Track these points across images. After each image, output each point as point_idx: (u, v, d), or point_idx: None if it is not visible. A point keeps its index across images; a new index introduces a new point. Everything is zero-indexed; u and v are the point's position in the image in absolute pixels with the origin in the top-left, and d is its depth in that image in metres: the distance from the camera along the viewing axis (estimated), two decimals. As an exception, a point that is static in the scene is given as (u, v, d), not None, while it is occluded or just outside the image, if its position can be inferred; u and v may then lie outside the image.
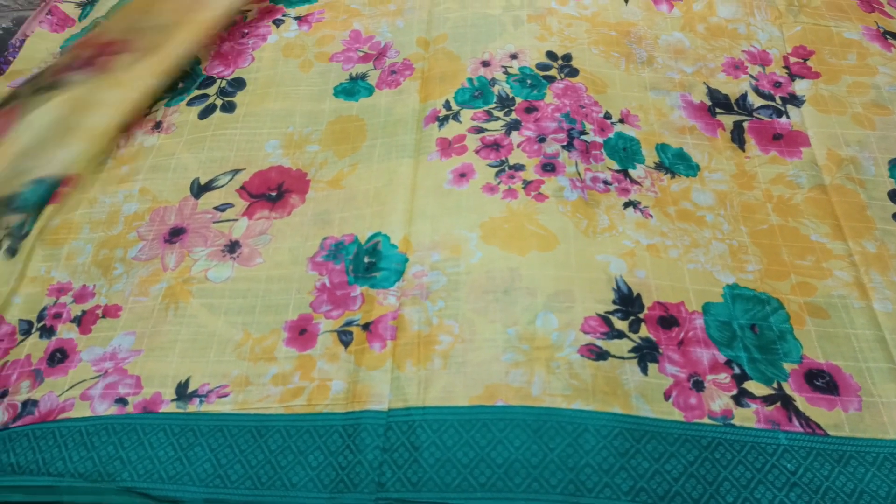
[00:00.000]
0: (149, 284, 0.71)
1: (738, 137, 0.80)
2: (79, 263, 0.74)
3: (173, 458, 0.59)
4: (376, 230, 0.72)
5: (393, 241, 0.71)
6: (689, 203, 0.74)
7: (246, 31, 0.96)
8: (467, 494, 0.56)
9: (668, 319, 0.65)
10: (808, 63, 0.87)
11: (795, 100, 0.83)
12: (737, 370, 0.62)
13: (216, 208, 0.77)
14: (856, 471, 0.56)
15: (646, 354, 0.62)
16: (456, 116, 0.81)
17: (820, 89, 0.84)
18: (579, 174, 0.74)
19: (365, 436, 0.59)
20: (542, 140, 0.77)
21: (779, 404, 0.60)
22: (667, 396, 0.60)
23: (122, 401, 0.63)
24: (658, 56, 0.88)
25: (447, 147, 0.78)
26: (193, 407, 0.62)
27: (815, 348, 0.63)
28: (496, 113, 0.81)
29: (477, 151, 0.77)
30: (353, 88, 0.87)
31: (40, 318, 0.70)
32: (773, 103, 0.83)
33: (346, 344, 0.65)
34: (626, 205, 0.73)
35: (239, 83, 0.89)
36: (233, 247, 0.73)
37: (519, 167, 0.75)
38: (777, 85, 0.85)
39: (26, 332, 0.69)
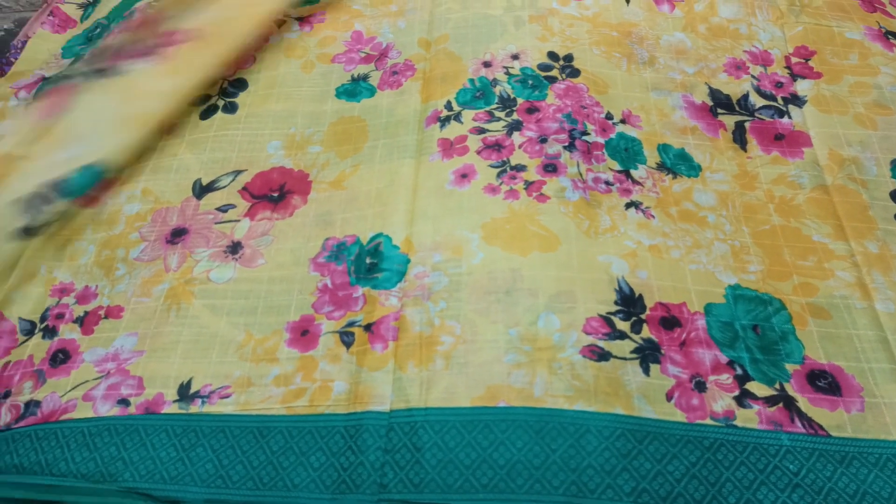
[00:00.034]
0: (151, 285, 0.71)
1: (739, 138, 0.80)
2: (81, 264, 0.74)
3: (175, 459, 0.59)
4: (378, 231, 0.72)
5: (395, 241, 0.71)
6: (690, 203, 0.74)
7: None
8: (469, 495, 0.56)
9: (670, 320, 0.65)
10: (810, 63, 0.87)
11: (797, 100, 0.83)
12: (739, 371, 0.62)
13: (218, 209, 0.77)
14: (858, 472, 0.56)
15: (648, 355, 0.62)
16: (457, 117, 0.81)
17: (822, 89, 0.84)
18: (581, 175, 0.74)
19: (367, 437, 0.59)
20: (543, 141, 0.77)
21: (781, 405, 0.60)
22: (669, 397, 0.60)
23: (124, 402, 0.63)
24: (659, 56, 0.88)
25: (449, 148, 0.78)
26: (195, 408, 0.62)
27: (818, 349, 0.63)
28: (497, 113, 0.81)
29: (478, 152, 0.77)
30: (354, 89, 0.87)
31: (43, 318, 0.70)
32: (774, 103, 0.83)
33: (347, 345, 0.65)
34: (628, 205, 0.73)
35: (241, 84, 0.89)
36: (235, 248, 0.73)
37: (520, 168, 0.75)
38: (779, 85, 0.85)
39: (29, 333, 0.69)
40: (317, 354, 0.65)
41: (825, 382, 0.61)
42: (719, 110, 0.83)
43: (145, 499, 0.58)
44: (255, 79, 0.90)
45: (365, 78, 0.88)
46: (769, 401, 0.60)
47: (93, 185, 0.76)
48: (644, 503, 0.55)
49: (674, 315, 0.65)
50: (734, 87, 0.85)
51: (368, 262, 0.70)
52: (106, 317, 0.69)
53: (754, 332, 0.64)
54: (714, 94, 0.84)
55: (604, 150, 0.77)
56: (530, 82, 0.83)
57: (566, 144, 0.77)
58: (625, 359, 0.62)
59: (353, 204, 0.75)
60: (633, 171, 0.76)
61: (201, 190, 0.79)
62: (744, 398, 0.60)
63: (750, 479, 0.56)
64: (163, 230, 0.75)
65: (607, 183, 0.74)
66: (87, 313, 0.70)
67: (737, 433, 0.58)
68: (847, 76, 0.85)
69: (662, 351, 0.63)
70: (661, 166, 0.77)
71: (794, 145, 0.79)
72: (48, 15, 1.06)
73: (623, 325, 0.63)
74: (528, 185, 0.73)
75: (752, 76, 0.86)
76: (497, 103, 0.82)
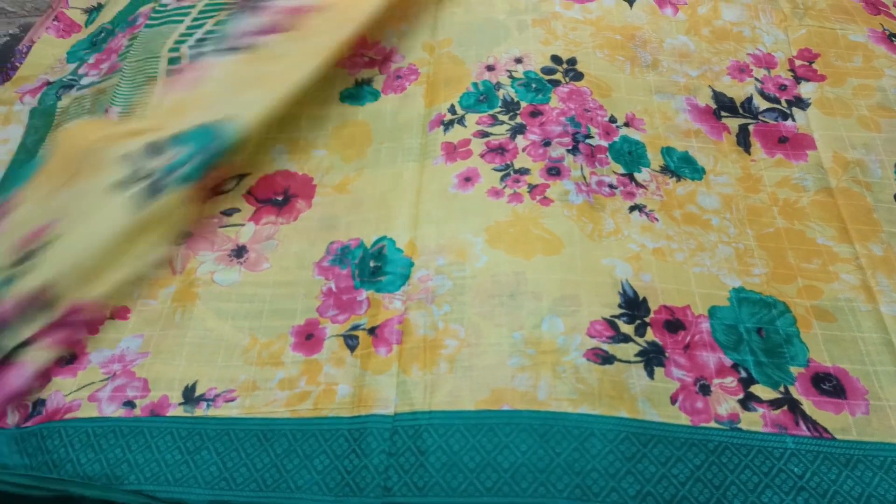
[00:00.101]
0: (157, 288, 0.71)
1: (743, 140, 0.80)
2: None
3: (180, 462, 0.60)
4: (382, 234, 0.72)
5: (398, 245, 0.71)
6: (694, 206, 0.74)
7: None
8: (474, 499, 0.56)
9: (675, 323, 0.65)
10: (814, 66, 0.87)
11: (801, 102, 0.83)
12: (743, 374, 0.62)
13: (223, 213, 0.77)
14: (863, 475, 0.56)
15: (652, 358, 0.62)
16: (461, 121, 0.81)
17: (825, 92, 0.84)
18: (584, 178, 0.74)
19: (371, 440, 0.59)
20: (547, 144, 0.77)
21: (786, 408, 0.60)
22: (673, 400, 0.60)
23: (129, 403, 0.63)
24: (663, 59, 0.88)
25: (452, 151, 0.78)
26: (200, 411, 0.62)
27: (822, 352, 0.63)
28: (501, 117, 0.81)
29: (482, 155, 0.77)
30: (358, 93, 0.87)
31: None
32: (778, 106, 0.83)
33: (352, 348, 0.65)
34: (632, 208, 0.73)
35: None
36: (240, 252, 0.74)
37: (524, 171, 0.75)
38: (782, 88, 0.85)
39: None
40: (321, 358, 0.65)
41: (830, 385, 0.61)
42: (723, 113, 0.83)
43: (149, 500, 0.59)
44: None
45: (369, 82, 0.88)
46: (774, 404, 0.60)
47: (213, 144, 0.72)
48: (648, 506, 0.55)
49: (678, 318, 0.65)
50: (738, 90, 0.85)
51: (372, 266, 0.70)
52: (112, 318, 0.69)
53: (759, 335, 0.64)
54: (718, 97, 0.84)
55: (607, 154, 0.77)
56: (534, 86, 0.83)
57: (570, 148, 0.77)
58: (629, 362, 0.62)
59: (358, 208, 0.76)
60: (636, 175, 0.76)
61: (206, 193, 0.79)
62: (748, 401, 0.60)
63: (755, 482, 0.56)
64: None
65: (611, 186, 0.74)
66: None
67: (741, 436, 0.58)
68: (851, 79, 0.85)
69: (667, 354, 0.63)
70: (665, 169, 0.77)
71: (797, 148, 0.79)
72: (53, 20, 1.07)
73: (627, 329, 0.63)
74: (532, 188, 0.73)
75: (756, 79, 0.86)
76: (500, 107, 0.82)
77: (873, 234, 0.71)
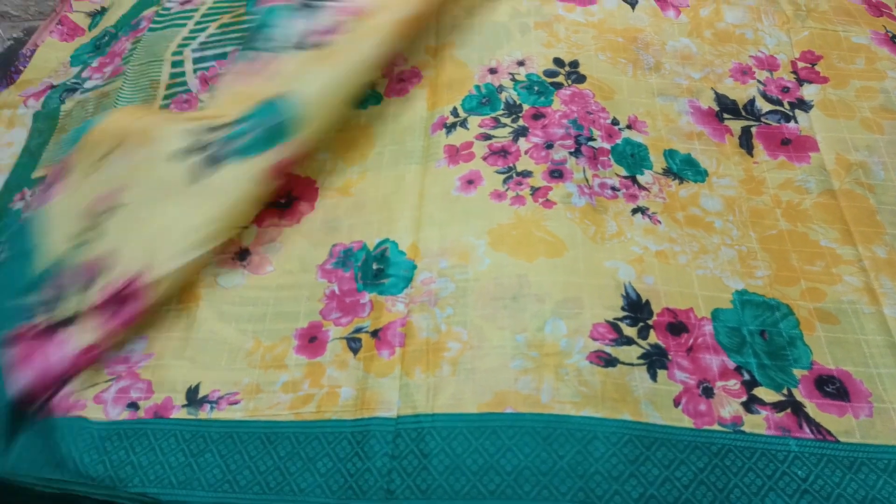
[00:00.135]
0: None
1: (746, 143, 0.80)
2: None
3: (183, 464, 0.60)
4: (384, 237, 0.73)
5: (401, 247, 0.71)
6: (697, 209, 0.74)
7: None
8: (476, 502, 0.56)
9: (677, 326, 0.65)
10: (816, 68, 0.87)
11: (804, 104, 0.83)
12: (746, 376, 0.62)
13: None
14: (867, 478, 0.56)
15: (655, 361, 0.62)
16: (463, 123, 0.81)
17: (828, 94, 0.84)
18: (587, 180, 0.75)
19: (374, 443, 0.59)
20: (549, 146, 0.77)
21: (789, 411, 0.60)
22: (676, 403, 0.60)
23: (133, 405, 0.63)
24: (665, 62, 0.88)
25: (455, 154, 0.78)
26: (204, 413, 0.63)
27: (825, 354, 0.63)
28: (504, 120, 0.81)
29: (484, 158, 0.77)
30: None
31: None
32: (781, 108, 0.83)
33: (354, 351, 0.65)
34: (635, 211, 0.73)
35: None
36: (243, 254, 0.74)
37: (527, 174, 0.75)
38: (785, 90, 0.85)
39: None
40: (324, 361, 0.65)
41: (833, 388, 0.61)
42: (725, 115, 0.83)
43: (153, 503, 0.59)
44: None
45: (371, 85, 0.88)
46: (777, 406, 0.60)
47: (288, 122, 0.70)
48: (652, 509, 0.55)
49: (681, 320, 0.65)
50: (740, 92, 0.85)
51: (375, 268, 0.70)
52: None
53: (762, 337, 0.64)
54: (720, 99, 0.84)
55: (610, 156, 0.77)
56: (536, 88, 0.84)
57: (572, 150, 0.77)
58: (632, 364, 0.62)
59: (360, 210, 0.76)
60: (639, 177, 0.76)
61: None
62: (751, 404, 0.60)
63: (758, 485, 0.56)
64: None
65: (613, 188, 0.74)
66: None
67: (744, 439, 0.58)
68: (854, 80, 0.85)
69: (669, 356, 0.62)
70: (668, 171, 0.77)
71: (800, 150, 0.79)
72: (56, 24, 1.07)
73: (630, 331, 0.63)
74: (535, 190, 0.73)
75: (759, 81, 0.86)
76: (503, 109, 0.82)
77: (876, 237, 0.71)
